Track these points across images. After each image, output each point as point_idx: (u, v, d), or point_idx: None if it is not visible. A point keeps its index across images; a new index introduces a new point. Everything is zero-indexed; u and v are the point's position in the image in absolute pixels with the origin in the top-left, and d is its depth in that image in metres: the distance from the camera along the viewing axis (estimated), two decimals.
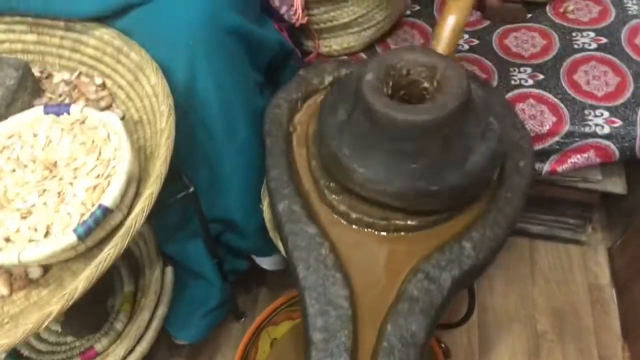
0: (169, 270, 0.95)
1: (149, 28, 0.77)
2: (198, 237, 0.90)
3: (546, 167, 1.00)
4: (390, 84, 0.72)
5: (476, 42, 1.11)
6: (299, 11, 0.96)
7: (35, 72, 0.82)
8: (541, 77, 1.02)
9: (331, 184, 0.76)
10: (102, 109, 0.78)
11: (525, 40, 1.10)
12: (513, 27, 1.12)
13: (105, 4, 0.77)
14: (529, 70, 1.04)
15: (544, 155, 0.99)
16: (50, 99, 0.81)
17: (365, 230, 0.74)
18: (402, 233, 0.74)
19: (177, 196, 0.76)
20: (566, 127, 0.95)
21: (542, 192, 1.10)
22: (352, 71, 0.84)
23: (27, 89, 0.79)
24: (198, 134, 0.82)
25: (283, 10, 0.96)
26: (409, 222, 0.74)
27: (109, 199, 0.60)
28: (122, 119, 0.78)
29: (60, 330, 0.94)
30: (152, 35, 0.77)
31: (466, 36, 1.12)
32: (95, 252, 0.63)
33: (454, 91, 0.69)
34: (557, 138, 0.96)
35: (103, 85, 0.81)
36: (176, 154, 0.68)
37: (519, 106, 0.98)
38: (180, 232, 0.90)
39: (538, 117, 0.97)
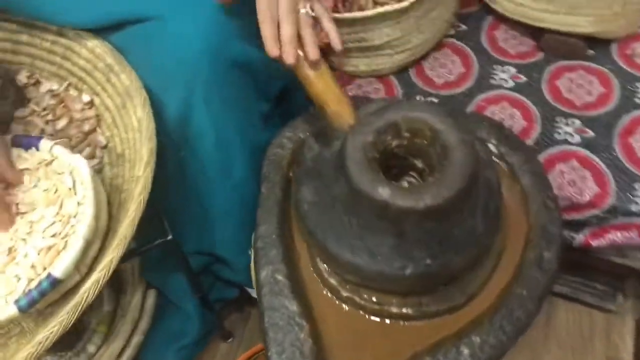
0: (152, 294, 0.89)
1: (144, 50, 0.68)
2: (181, 271, 0.83)
3: (579, 239, 0.88)
4: (381, 144, 0.62)
5: (523, 79, 0.97)
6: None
7: (23, 77, 0.75)
8: (591, 134, 0.89)
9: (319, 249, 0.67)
10: (86, 133, 0.71)
11: (580, 84, 0.96)
12: (569, 66, 0.98)
13: (98, 17, 0.69)
14: (577, 123, 0.91)
15: (578, 225, 0.87)
16: (34, 111, 0.73)
17: (356, 312, 0.66)
18: (397, 321, 0.66)
19: (155, 242, 0.69)
20: (610, 201, 0.83)
21: (570, 256, 0.99)
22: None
23: (7, 98, 0.72)
24: (191, 168, 0.74)
25: None
26: (404, 310, 0.65)
27: (59, 268, 0.53)
28: (105, 147, 0.70)
29: None
30: (147, 58, 0.68)
31: (513, 70, 0.99)
32: (46, 312, 0.57)
33: (457, 170, 0.58)
34: (596, 211, 0.84)
35: (91, 104, 0.73)
36: (164, 186, 0.62)
37: (559, 167, 0.86)
38: (163, 263, 0.84)
39: (578, 183, 0.85)
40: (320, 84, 0.66)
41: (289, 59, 0.62)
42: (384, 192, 0.57)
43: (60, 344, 0.85)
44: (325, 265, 0.67)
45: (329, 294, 0.67)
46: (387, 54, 0.94)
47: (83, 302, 0.53)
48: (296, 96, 0.87)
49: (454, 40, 1.04)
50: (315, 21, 0.67)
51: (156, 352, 0.88)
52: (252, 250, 0.70)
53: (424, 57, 1.00)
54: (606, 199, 0.83)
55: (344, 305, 0.66)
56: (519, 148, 0.77)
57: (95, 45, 0.71)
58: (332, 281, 0.66)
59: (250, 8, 0.68)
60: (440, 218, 0.57)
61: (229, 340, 1.07)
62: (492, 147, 0.76)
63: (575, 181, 0.85)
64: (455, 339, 0.63)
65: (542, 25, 0.97)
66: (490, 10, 1.05)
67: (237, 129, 0.72)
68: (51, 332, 0.51)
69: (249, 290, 0.96)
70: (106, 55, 0.71)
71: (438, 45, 1.02)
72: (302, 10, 0.62)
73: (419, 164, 0.67)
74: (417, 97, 0.97)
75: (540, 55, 1.01)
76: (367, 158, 0.60)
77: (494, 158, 0.76)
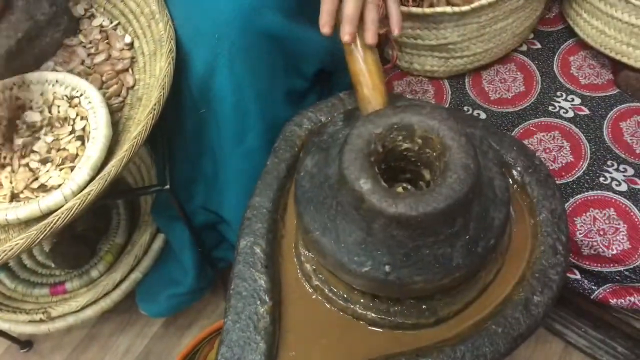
0: (160, 237, 0.93)
1: (185, 4, 0.70)
2: (182, 223, 0.86)
3: (598, 293, 0.81)
4: (381, 146, 0.60)
5: (586, 112, 0.90)
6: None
7: (80, 9, 0.80)
8: None
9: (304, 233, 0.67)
10: (117, 71, 0.74)
11: None
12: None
13: None
14: (630, 171, 0.83)
15: (599, 278, 0.80)
16: (80, 42, 0.78)
17: (322, 303, 0.65)
18: (359, 322, 0.64)
19: (150, 189, 0.71)
20: (638, 262, 0.76)
21: (589, 307, 0.91)
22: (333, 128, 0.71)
23: (59, 25, 0.76)
24: (208, 127, 0.76)
25: None
26: (368, 313, 0.63)
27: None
28: (132, 88, 0.73)
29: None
30: (185, 13, 0.70)
31: (577, 101, 0.91)
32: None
33: (442, 195, 0.55)
34: (621, 268, 0.77)
35: (130, 45, 0.76)
36: (180, 138, 0.67)
37: (592, 213, 0.79)
38: (170, 211, 0.86)
39: (609, 234, 0.78)
40: (363, 65, 0.65)
41: (346, 37, 0.61)
42: (364, 185, 0.55)
43: (71, 259, 0.91)
44: (304, 250, 0.67)
45: (302, 279, 0.67)
46: (442, 57, 0.90)
47: (66, 217, 0.56)
48: (339, 80, 0.85)
49: (523, 56, 0.97)
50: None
51: (150, 293, 0.92)
52: (243, 217, 0.71)
53: (485, 67, 0.95)
54: (634, 258, 0.76)
55: (312, 293, 0.66)
56: (545, 182, 0.71)
57: None
58: (307, 267, 0.66)
59: None
60: (410, 231, 0.54)
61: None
62: (515, 174, 0.72)
63: (606, 231, 0.78)
64: (411, 356, 0.60)
65: (622, 59, 0.89)
66: (572, 33, 0.97)
67: (257, 98, 0.72)
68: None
69: None
70: (152, 1, 0.73)
71: (504, 59, 0.96)
72: None
73: (426, 174, 0.64)
74: (465, 109, 0.92)
75: (613, 91, 0.92)
76: (367, 148, 0.58)
77: (515, 187, 0.71)
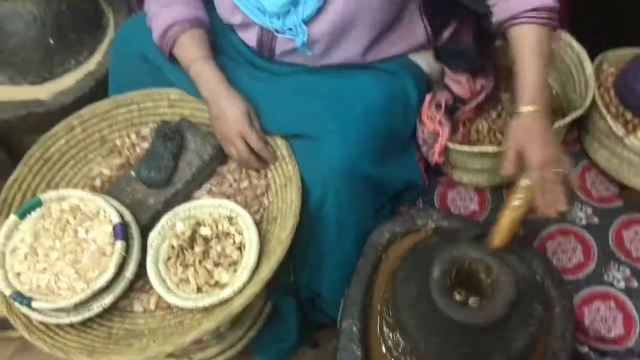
0: (269, 305, 1.24)
1: (305, 153, 1.03)
2: (293, 296, 1.17)
3: None
4: (454, 272, 0.90)
5: (596, 221, 1.18)
6: (436, 155, 1.13)
7: None
8: (635, 285, 1.08)
9: (389, 319, 0.97)
10: (257, 195, 1.06)
11: None
12: None
13: (279, 129, 1.07)
14: (627, 272, 1.10)
15: (602, 353, 1.07)
16: (229, 169, 1.11)
17: None
18: None
19: (281, 281, 1.03)
20: (629, 345, 1.03)
21: None
22: (426, 245, 1.01)
23: (217, 160, 1.10)
24: (317, 234, 1.07)
25: (424, 149, 1.14)
26: None
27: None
28: (266, 209, 1.06)
29: None
30: (305, 159, 1.03)
31: (590, 210, 1.19)
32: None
33: (500, 303, 0.85)
34: (618, 348, 1.04)
35: (265, 175, 1.09)
36: (297, 241, 0.97)
37: (597, 304, 1.07)
38: (284, 286, 1.18)
39: (609, 322, 1.05)
40: (513, 218, 0.94)
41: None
42: (442, 301, 0.86)
43: None
44: (386, 328, 0.96)
45: (386, 353, 0.96)
46: (486, 176, 1.20)
47: (240, 306, 0.88)
48: (405, 197, 1.16)
49: None
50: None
51: (262, 348, 1.23)
52: (342, 300, 1.02)
53: None
54: (627, 341, 1.03)
55: None
56: (560, 284, 1.00)
57: (279, 139, 1.07)
58: (390, 343, 0.96)
59: (381, 138, 1.00)
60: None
61: (315, 349, 1.40)
62: (538, 278, 1.00)
63: (607, 319, 1.05)
64: None
65: (623, 182, 1.17)
66: (587, 154, 1.25)
67: (354, 219, 1.03)
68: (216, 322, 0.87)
69: (337, 322, 1.29)
70: (283, 147, 1.06)
71: None
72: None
73: (483, 275, 0.93)
74: None
75: (618, 203, 1.20)
76: (447, 274, 0.89)
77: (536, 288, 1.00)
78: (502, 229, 0.94)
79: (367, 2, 0.99)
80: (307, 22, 1.01)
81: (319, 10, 1.00)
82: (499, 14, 1.00)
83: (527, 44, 0.97)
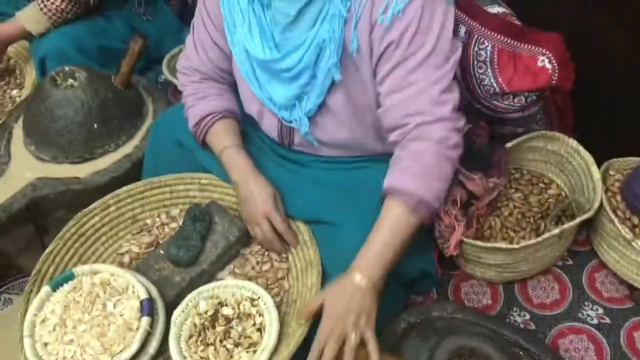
0: None
1: (326, 239, 1.09)
2: None
3: None
4: None
5: (607, 321, 1.20)
6: (452, 248, 1.18)
7: None
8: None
9: None
10: (278, 278, 1.11)
11: None
12: None
13: (299, 215, 1.14)
14: None
15: None
16: (252, 251, 1.16)
17: None
18: None
19: None
20: None
21: None
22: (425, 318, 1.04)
23: (241, 241, 1.16)
24: None
25: (440, 241, 1.20)
26: None
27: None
28: (287, 291, 1.10)
29: None
30: (325, 242, 1.09)
31: (601, 310, 1.22)
32: None
33: None
34: None
35: (286, 259, 1.14)
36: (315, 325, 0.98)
37: (569, 337, 1.13)
38: None
39: (582, 352, 1.12)
40: None
41: None
42: None
43: None
44: None
45: None
46: (497, 271, 1.24)
47: None
48: (419, 287, 1.20)
49: (559, 270, 1.30)
50: None
51: None
52: None
53: (530, 277, 1.28)
54: None
55: None
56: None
57: (301, 224, 1.14)
58: None
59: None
60: None
61: None
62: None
63: (580, 349, 1.12)
64: None
65: (633, 284, 1.20)
66: (597, 254, 1.30)
67: None
68: None
69: None
70: (305, 232, 1.12)
71: (545, 271, 1.29)
72: None
73: None
74: (514, 308, 1.24)
75: (629, 305, 1.23)
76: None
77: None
78: None
79: (365, 102, 1.08)
80: (314, 118, 1.12)
81: (322, 107, 1.10)
82: (385, 179, 1.02)
83: (386, 218, 0.98)
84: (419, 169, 0.99)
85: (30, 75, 1.67)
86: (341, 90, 1.07)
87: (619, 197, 1.26)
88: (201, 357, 0.99)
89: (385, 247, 0.97)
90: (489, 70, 1.18)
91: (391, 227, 0.98)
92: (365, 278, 0.95)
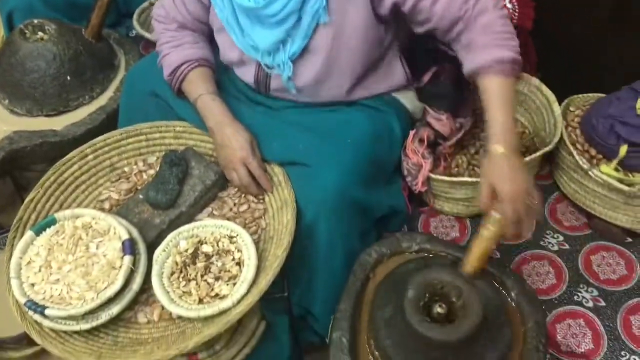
0: (263, 323, 1.31)
1: (299, 179, 1.13)
2: (286, 314, 1.25)
3: None
4: (427, 295, 0.98)
5: (567, 246, 1.28)
6: (419, 184, 1.24)
7: None
8: (602, 304, 1.17)
9: (374, 337, 1.04)
10: (255, 217, 1.16)
11: (610, 263, 1.24)
12: (607, 246, 1.27)
13: (274, 157, 1.18)
14: (595, 292, 1.19)
15: None
16: (229, 194, 1.20)
17: None
18: None
19: (277, 295, 1.11)
20: (598, 359, 1.11)
21: None
22: (401, 268, 1.09)
23: (218, 185, 1.20)
24: (308, 254, 1.16)
25: (408, 179, 1.25)
26: None
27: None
28: (264, 229, 1.15)
29: None
30: (299, 185, 1.13)
31: (561, 237, 1.30)
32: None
33: (470, 321, 0.93)
34: None
35: (263, 200, 1.18)
36: (290, 259, 1.04)
37: (568, 321, 1.16)
38: (277, 306, 1.26)
39: (579, 337, 1.14)
40: (484, 247, 1.01)
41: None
42: (417, 321, 0.94)
43: None
44: (372, 342, 1.04)
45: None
46: (465, 205, 1.31)
47: (238, 315, 0.96)
48: (390, 224, 1.26)
49: None
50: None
51: None
52: (332, 317, 1.09)
53: None
54: (595, 356, 1.11)
55: None
56: (532, 301, 1.09)
57: (276, 166, 1.18)
58: (376, 353, 1.03)
59: (369, 167, 1.10)
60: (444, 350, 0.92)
61: None
62: (513, 295, 1.09)
63: (577, 335, 1.14)
64: None
65: (591, 212, 1.28)
66: (559, 187, 1.37)
67: (342, 239, 1.12)
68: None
69: (327, 340, 1.35)
70: (279, 174, 1.16)
71: None
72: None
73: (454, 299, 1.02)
74: None
75: (587, 232, 1.31)
76: (420, 298, 0.97)
77: (512, 304, 1.08)
78: (474, 257, 1.03)
79: (348, 44, 1.12)
80: (294, 62, 1.14)
81: (304, 51, 1.12)
82: (466, 66, 1.10)
83: (493, 94, 1.05)
84: (495, 38, 1.05)
85: None
86: (329, 32, 1.10)
87: (578, 132, 1.32)
88: (183, 292, 1.04)
89: (506, 116, 1.03)
90: None
91: (502, 98, 1.04)
92: (508, 147, 1.01)
